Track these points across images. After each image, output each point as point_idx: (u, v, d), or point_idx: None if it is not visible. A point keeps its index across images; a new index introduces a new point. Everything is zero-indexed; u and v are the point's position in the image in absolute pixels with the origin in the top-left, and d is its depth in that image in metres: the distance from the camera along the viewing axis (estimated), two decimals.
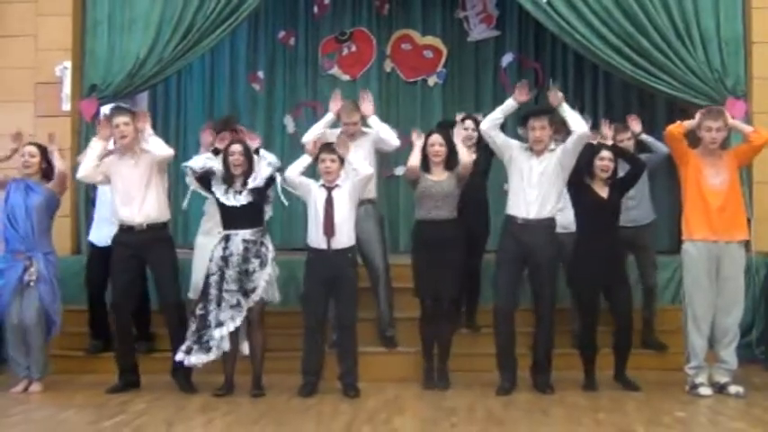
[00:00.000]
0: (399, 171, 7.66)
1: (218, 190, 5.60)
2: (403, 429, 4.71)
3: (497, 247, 5.80)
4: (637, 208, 6.28)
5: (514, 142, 5.75)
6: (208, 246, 5.79)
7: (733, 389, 5.49)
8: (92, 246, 6.38)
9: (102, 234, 6.18)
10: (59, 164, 5.88)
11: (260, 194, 5.57)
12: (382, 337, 6.29)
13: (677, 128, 5.61)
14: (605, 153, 5.69)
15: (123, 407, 5.23)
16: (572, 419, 4.92)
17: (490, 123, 5.70)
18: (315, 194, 5.60)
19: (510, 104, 5.66)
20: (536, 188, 5.58)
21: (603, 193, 5.67)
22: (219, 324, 5.45)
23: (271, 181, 5.63)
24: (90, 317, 6.33)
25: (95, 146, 5.77)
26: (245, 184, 5.57)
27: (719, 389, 5.53)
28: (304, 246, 5.77)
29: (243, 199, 5.54)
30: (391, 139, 6.15)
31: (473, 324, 6.44)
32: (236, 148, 5.61)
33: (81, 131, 7.21)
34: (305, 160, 5.72)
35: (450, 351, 5.83)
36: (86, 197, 6.97)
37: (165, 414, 5.08)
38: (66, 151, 7.00)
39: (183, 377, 5.64)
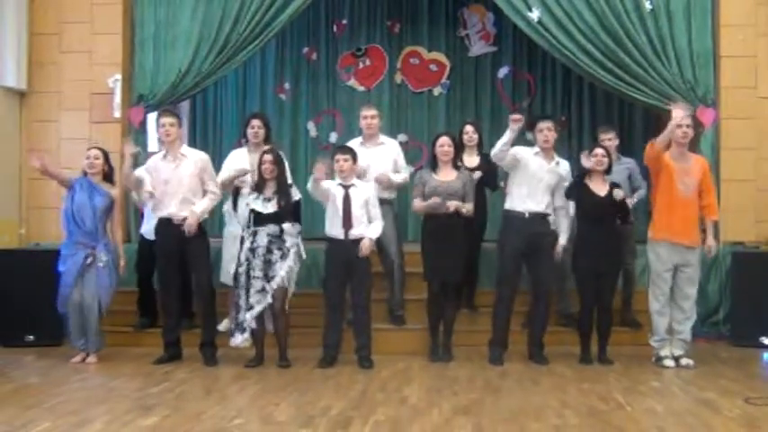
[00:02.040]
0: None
1: (250, 197, 5.57)
2: (411, 397, 4.70)
3: (500, 240, 5.74)
4: None
5: (523, 148, 5.67)
6: (235, 235, 5.81)
7: (684, 361, 5.53)
8: (142, 237, 6.39)
9: (150, 228, 6.20)
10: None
11: (287, 206, 5.55)
12: (393, 316, 6.28)
13: (651, 149, 5.52)
14: (598, 150, 5.67)
15: (167, 376, 5.25)
16: (559, 388, 4.91)
17: (499, 153, 5.49)
18: (334, 192, 5.59)
19: (510, 135, 5.45)
20: (544, 187, 5.59)
21: (602, 190, 5.61)
22: (250, 307, 5.47)
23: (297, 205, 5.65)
24: (138, 297, 6.37)
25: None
26: (276, 191, 5.55)
27: (674, 360, 5.55)
28: (323, 236, 5.76)
29: (271, 207, 5.53)
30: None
31: (472, 305, 6.43)
32: (268, 157, 5.60)
33: (130, 135, 7.22)
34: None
35: (453, 328, 5.82)
36: None
37: (203, 382, 5.09)
38: (116, 154, 7.02)
39: (210, 353, 5.65)
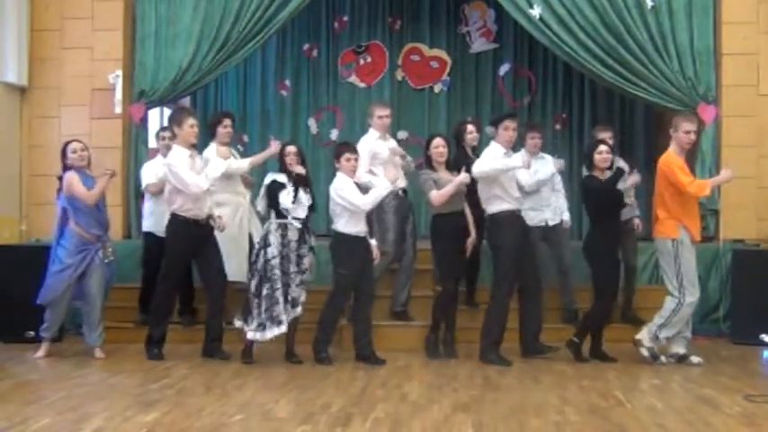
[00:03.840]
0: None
1: (287, 197, 5.44)
2: (411, 393, 4.69)
3: (499, 239, 5.60)
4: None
5: (495, 158, 5.54)
6: (232, 233, 5.83)
7: (695, 359, 5.50)
8: (149, 234, 6.33)
9: (160, 225, 6.12)
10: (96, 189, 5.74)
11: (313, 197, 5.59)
12: (397, 312, 6.25)
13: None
14: (603, 147, 5.66)
15: (168, 372, 5.25)
16: (559, 385, 4.90)
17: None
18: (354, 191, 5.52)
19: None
20: (516, 185, 5.61)
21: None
22: (294, 302, 5.43)
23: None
24: (141, 294, 6.35)
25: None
26: (304, 185, 5.52)
27: (679, 359, 5.52)
28: (323, 232, 5.73)
29: (306, 200, 5.49)
30: None
31: (473, 301, 6.42)
32: (292, 149, 5.59)
33: (130, 131, 7.23)
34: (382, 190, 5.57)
35: (456, 325, 5.81)
36: (136, 190, 6.97)
37: (203, 378, 5.09)
38: (116, 149, 7.06)
39: (221, 348, 5.67)
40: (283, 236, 5.46)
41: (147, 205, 6.40)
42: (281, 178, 5.50)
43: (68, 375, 5.17)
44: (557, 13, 6.94)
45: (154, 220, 6.29)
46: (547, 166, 6.26)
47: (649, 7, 6.91)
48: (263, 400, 4.53)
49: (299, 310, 5.46)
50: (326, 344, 5.59)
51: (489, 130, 6.03)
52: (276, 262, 5.42)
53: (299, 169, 5.49)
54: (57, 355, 5.78)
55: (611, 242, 5.60)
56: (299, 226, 5.48)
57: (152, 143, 7.52)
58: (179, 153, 5.57)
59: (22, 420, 4.02)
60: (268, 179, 5.59)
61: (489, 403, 4.47)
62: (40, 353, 5.72)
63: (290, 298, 5.43)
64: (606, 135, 6.20)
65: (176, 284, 5.78)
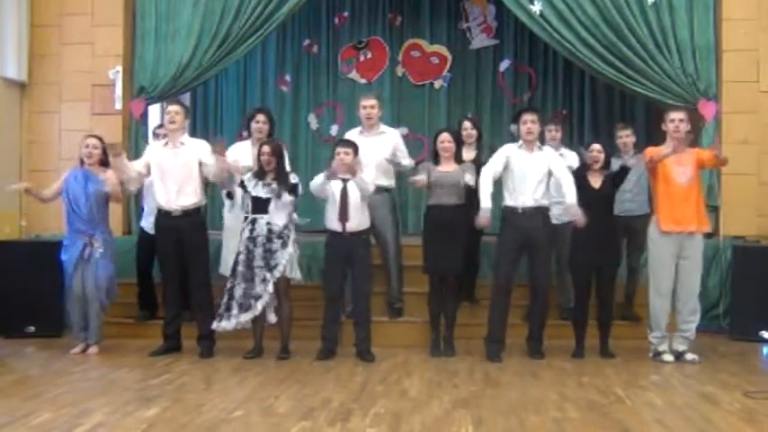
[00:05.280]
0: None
1: (250, 183, 5.58)
2: (411, 389, 4.70)
3: (499, 234, 5.72)
4: (632, 201, 6.23)
5: (506, 149, 5.61)
6: (235, 227, 5.80)
7: (689, 356, 5.50)
8: (142, 231, 6.37)
9: (149, 222, 6.17)
10: (114, 180, 5.73)
11: (286, 190, 5.54)
12: (391, 309, 6.28)
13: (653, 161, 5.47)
14: (595, 146, 5.66)
15: (168, 368, 5.25)
16: (558, 382, 4.91)
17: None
18: (332, 185, 5.57)
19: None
20: (532, 180, 5.53)
21: (596, 183, 5.63)
22: (258, 297, 5.44)
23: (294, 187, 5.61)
24: (139, 290, 6.37)
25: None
26: (275, 178, 5.56)
27: (677, 356, 5.52)
28: (324, 229, 5.75)
29: (271, 192, 5.52)
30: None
31: (473, 298, 6.43)
32: (266, 149, 5.59)
33: (130, 127, 7.23)
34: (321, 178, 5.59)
35: (455, 322, 5.79)
36: None
37: (203, 374, 5.10)
38: (116, 146, 7.03)
39: (207, 346, 5.65)
40: (252, 230, 5.49)
41: (146, 204, 6.41)
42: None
43: (69, 371, 5.18)
44: (557, 9, 6.93)
45: (144, 216, 6.33)
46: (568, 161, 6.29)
47: (650, 3, 6.89)
48: (263, 395, 4.53)
49: (258, 306, 5.45)
50: (326, 340, 5.59)
51: (513, 127, 6.02)
52: (241, 258, 5.48)
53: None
54: (57, 351, 5.78)
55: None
56: (272, 219, 5.48)
57: (152, 140, 7.53)
58: (155, 143, 5.86)
59: (24, 415, 4.02)
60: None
61: (489, 399, 4.47)
62: (76, 350, 5.71)
63: (255, 293, 5.45)
64: (625, 133, 6.28)
65: (168, 278, 5.74)
